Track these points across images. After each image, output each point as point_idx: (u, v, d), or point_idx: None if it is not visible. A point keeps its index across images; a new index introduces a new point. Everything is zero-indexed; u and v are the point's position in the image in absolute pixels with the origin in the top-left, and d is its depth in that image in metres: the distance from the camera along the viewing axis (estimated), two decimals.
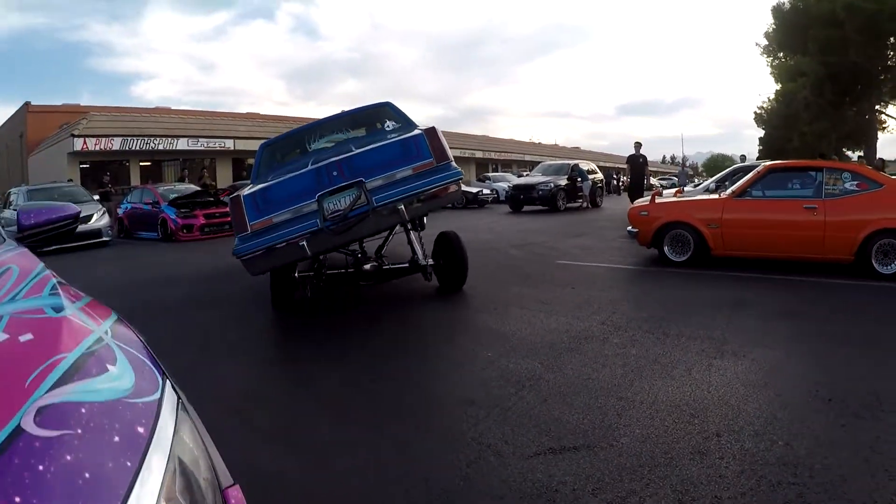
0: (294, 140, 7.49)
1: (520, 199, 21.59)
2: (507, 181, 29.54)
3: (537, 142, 63.48)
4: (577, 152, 66.47)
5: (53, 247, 14.40)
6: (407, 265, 6.30)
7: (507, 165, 50.19)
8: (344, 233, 5.22)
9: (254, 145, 28.75)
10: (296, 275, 6.21)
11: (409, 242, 6.17)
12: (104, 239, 16.21)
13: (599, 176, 24.16)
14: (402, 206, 5.19)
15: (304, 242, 5.16)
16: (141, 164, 27.21)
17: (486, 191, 26.93)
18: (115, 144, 24.97)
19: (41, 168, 28.02)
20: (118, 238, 18.04)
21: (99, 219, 16.35)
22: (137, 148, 25.75)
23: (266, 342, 5.48)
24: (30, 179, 28.86)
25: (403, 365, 4.26)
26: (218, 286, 8.20)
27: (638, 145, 16.09)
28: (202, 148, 27.56)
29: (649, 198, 8.33)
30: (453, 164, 5.46)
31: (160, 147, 26.32)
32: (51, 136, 27.91)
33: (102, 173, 23.25)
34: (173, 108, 36.49)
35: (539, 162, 50.62)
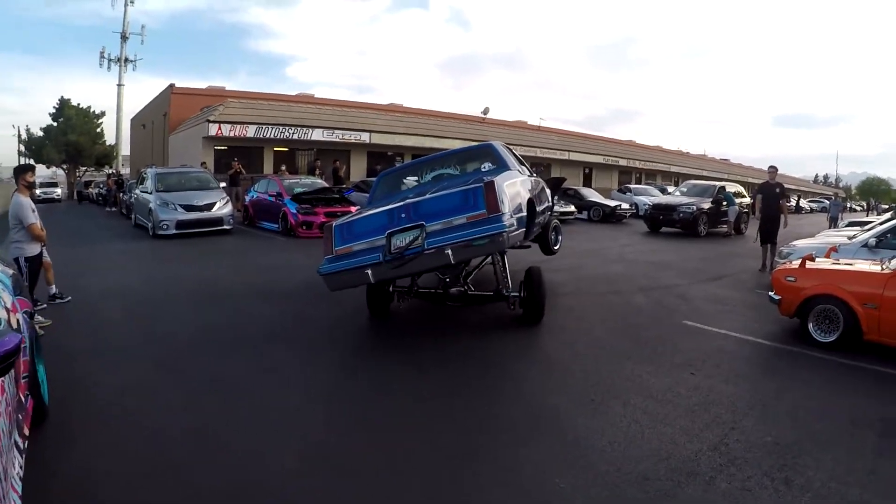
0: (405, 172, 8.66)
1: (658, 219, 20.44)
2: (648, 195, 28.09)
3: (685, 151, 60.12)
4: (725, 165, 62.50)
5: (173, 231, 15.35)
6: (492, 293, 7.16)
7: (651, 175, 48.01)
8: (399, 267, 6.02)
9: (390, 139, 29.31)
10: (390, 288, 7.39)
11: (495, 273, 7.17)
12: (225, 227, 16.77)
13: (747, 200, 22.34)
14: (450, 251, 5.83)
15: (369, 271, 6.09)
16: (276, 150, 28.20)
17: (624, 205, 25.75)
18: (250, 132, 26.17)
19: (180, 148, 29.81)
20: (242, 225, 18.64)
21: (221, 207, 17.02)
22: (271, 136, 26.78)
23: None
24: (169, 157, 30.89)
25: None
26: (312, 304, 8.13)
27: (772, 171, 12.84)
28: (337, 139, 28.20)
29: (799, 261, 7.28)
30: (504, 216, 5.84)
31: (294, 136, 27.23)
32: (191, 118, 29.56)
33: (231, 158, 24.18)
34: (317, 94, 37.60)
35: (685, 174, 48.54)
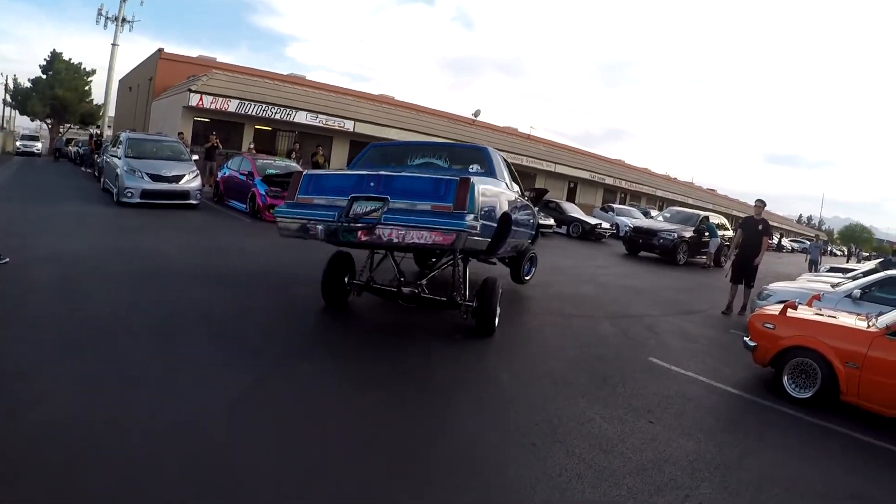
0: (398, 150, 8.57)
1: (638, 242, 20.02)
2: (630, 217, 27.68)
3: (672, 177, 59.89)
4: (712, 195, 62.45)
5: (137, 200, 14.66)
6: (445, 299, 6.81)
7: (636, 197, 47.69)
8: (348, 233, 5.90)
9: (375, 130, 28.63)
10: (346, 280, 7.29)
11: (453, 277, 6.96)
12: (192, 202, 16.13)
13: (730, 233, 22.02)
14: (402, 233, 5.72)
15: (320, 226, 6.03)
16: (256, 128, 27.43)
17: (605, 224, 25.29)
18: (231, 106, 25.47)
19: (161, 115, 29.01)
20: (211, 201, 18.01)
21: (190, 180, 16.31)
22: (253, 113, 26.04)
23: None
24: (151, 123, 30.03)
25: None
26: (257, 294, 7.62)
27: (759, 206, 11.51)
28: (320, 124, 27.51)
29: (780, 308, 6.72)
30: (467, 216, 5.65)
31: (276, 116, 26.51)
32: (175, 86, 28.66)
33: (210, 131, 23.44)
34: (313, 78, 36.88)
35: (670, 199, 48.30)
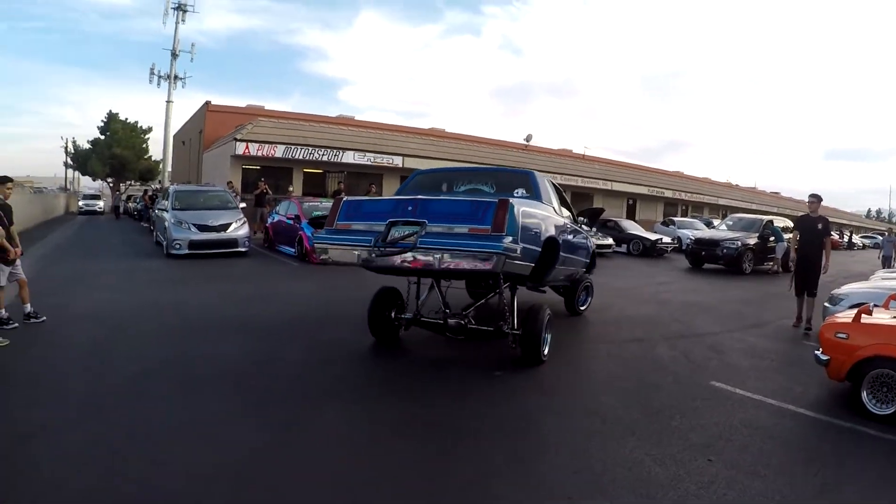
0: (444, 176, 8.34)
1: (700, 255, 19.05)
2: (692, 228, 26.57)
3: (734, 183, 57.77)
4: (775, 198, 60.03)
5: (185, 252, 14.81)
6: (492, 329, 6.61)
7: (697, 208, 46.13)
8: (384, 257, 5.82)
9: (424, 164, 28.33)
10: (392, 315, 7.23)
11: (501, 305, 6.58)
12: (240, 249, 16.24)
13: None
14: (439, 256, 5.56)
15: (357, 252, 6.02)
16: (305, 171, 27.58)
17: (665, 239, 24.30)
18: (278, 152, 25.64)
19: (212, 166, 29.56)
20: (262, 248, 18.11)
21: (237, 228, 16.48)
22: (300, 157, 26.17)
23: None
24: (203, 174, 30.60)
25: None
26: (287, 344, 7.29)
27: (813, 202, 9.88)
28: (368, 162, 27.46)
29: (853, 314, 5.96)
30: (505, 239, 5.44)
31: (324, 158, 26.59)
32: (223, 137, 29.14)
33: (259, 178, 23.70)
34: (368, 118, 37.12)
35: (733, 207, 46.48)
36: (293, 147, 26.07)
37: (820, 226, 9.76)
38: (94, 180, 63.53)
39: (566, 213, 8.56)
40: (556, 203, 7.84)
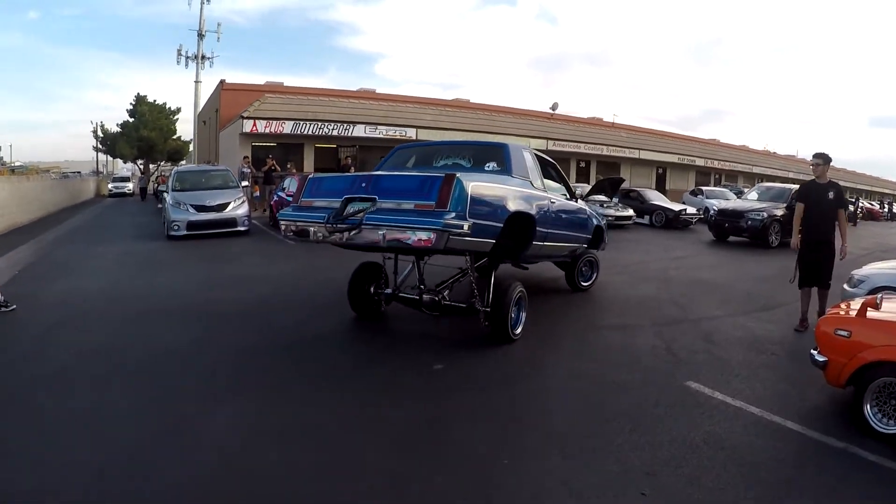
0: (424, 151, 8.20)
1: (724, 227, 17.83)
2: (723, 199, 25.14)
3: (772, 151, 54.98)
4: None
5: (183, 233, 15.28)
6: (464, 305, 6.55)
7: (731, 177, 44.10)
8: (333, 234, 5.84)
9: (439, 135, 27.24)
10: (371, 290, 7.31)
11: (471, 283, 6.50)
12: (240, 228, 16.17)
13: None
14: (384, 233, 5.53)
15: (312, 228, 6.04)
16: (317, 147, 27.04)
17: (690, 209, 22.98)
18: (287, 128, 25.01)
19: (226, 144, 29.14)
20: (268, 226, 17.99)
21: (235, 208, 16.37)
22: (310, 132, 25.58)
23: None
24: (220, 153, 30.21)
25: None
26: (249, 328, 7.20)
27: (818, 163, 7.47)
28: (380, 135, 26.56)
29: (857, 306, 4.91)
30: (448, 216, 5.32)
31: (334, 133, 25.91)
32: (236, 115, 28.66)
33: (266, 155, 23.48)
34: (405, 92, 35.96)
35: (769, 175, 44.28)
36: (302, 122, 25.41)
37: (831, 194, 7.35)
38: (124, 162, 64.14)
39: (556, 186, 8.38)
40: (535, 177, 7.46)
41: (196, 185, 17.50)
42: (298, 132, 25.43)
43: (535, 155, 7.85)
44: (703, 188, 29.85)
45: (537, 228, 7.02)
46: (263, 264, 11.87)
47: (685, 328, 7.41)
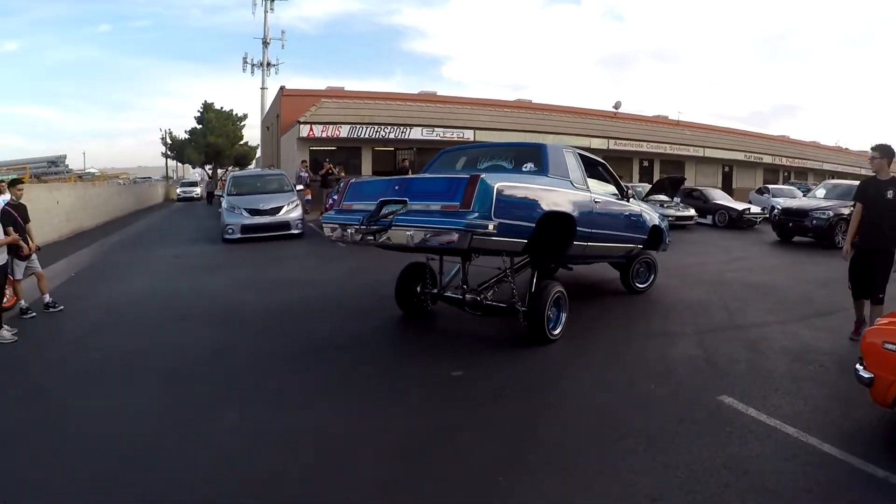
0: (470, 153, 8.21)
1: (788, 226, 16.93)
2: (791, 196, 23.99)
3: (843, 147, 52.12)
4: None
5: (238, 236, 15.76)
6: (505, 305, 6.64)
7: (801, 174, 42.11)
8: (366, 235, 5.98)
9: (497, 136, 26.97)
10: (418, 289, 7.63)
11: (510, 282, 6.75)
12: (293, 232, 16.48)
13: None
14: (411, 233, 5.61)
15: (350, 230, 6.15)
16: (375, 150, 27.26)
17: (754, 208, 22.01)
18: (343, 132, 25.30)
19: (286, 149, 29.72)
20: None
21: (289, 211, 16.69)
22: (367, 136, 25.77)
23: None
24: (280, 158, 30.82)
25: None
26: (269, 331, 7.29)
27: (878, 157, 6.42)
28: (437, 137, 26.50)
29: None
30: (471, 216, 5.39)
31: (391, 136, 26.03)
32: (295, 120, 29.12)
33: (324, 159, 23.75)
34: (472, 95, 35.82)
35: (840, 172, 41.87)
36: (358, 126, 25.68)
37: (891, 193, 6.33)
38: (193, 168, 66.22)
39: (603, 186, 8.28)
40: (577, 176, 7.32)
41: (251, 189, 17.98)
42: (355, 136, 25.75)
43: (580, 154, 7.76)
44: (770, 186, 28.55)
45: (578, 228, 6.88)
46: (311, 267, 11.98)
47: (730, 335, 6.95)
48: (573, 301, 7.12)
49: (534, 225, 6.03)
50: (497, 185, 5.63)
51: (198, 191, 48.07)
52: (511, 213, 5.73)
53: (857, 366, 4.48)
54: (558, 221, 6.58)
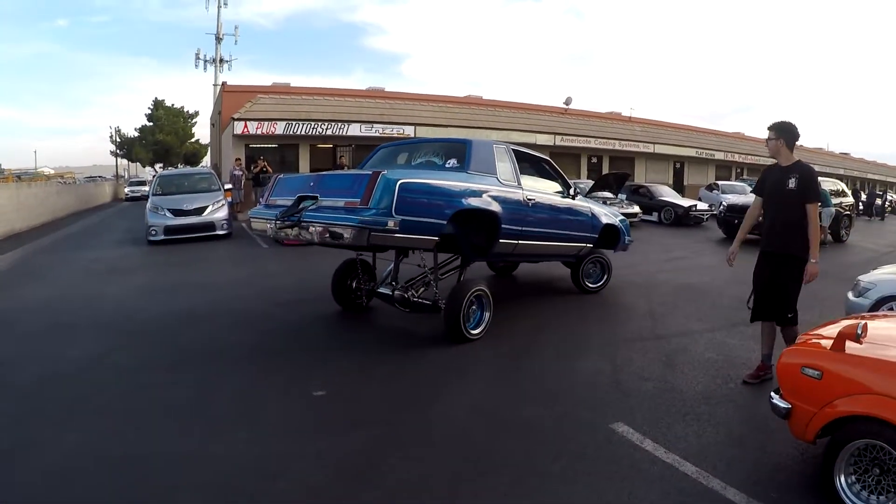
0: (403, 149, 8.18)
1: (734, 223, 16.37)
2: (742, 193, 23.61)
3: (798, 144, 52.08)
4: (843, 159, 54.66)
5: (161, 237, 15.01)
6: (430, 303, 6.63)
7: (754, 170, 42.07)
8: (280, 230, 6.07)
9: (438, 132, 26.12)
10: (353, 285, 7.66)
11: (429, 279, 6.94)
12: (219, 232, 15.82)
13: (849, 200, 17.97)
14: (316, 229, 5.71)
15: (269, 225, 6.25)
16: (314, 146, 26.41)
17: (701, 205, 21.61)
18: (279, 129, 24.48)
19: (226, 146, 28.79)
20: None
21: (213, 211, 15.98)
22: (303, 132, 24.93)
23: None
24: (222, 155, 29.82)
25: None
26: (158, 340, 6.76)
27: (775, 140, 5.12)
28: (376, 134, 25.61)
29: (834, 335, 3.51)
30: (370, 212, 5.43)
31: (329, 132, 25.08)
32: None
33: (258, 157, 22.92)
34: (432, 92, 34.63)
35: None
36: (294, 123, 24.71)
37: (792, 182, 4.96)
38: (143, 166, 64.43)
39: (540, 183, 8.05)
40: (505, 173, 7.15)
41: (178, 189, 17.30)
42: (291, 132, 24.75)
43: (516, 151, 7.63)
44: (720, 182, 28.30)
45: (504, 226, 6.75)
46: (223, 271, 11.44)
47: (647, 346, 6.22)
48: (520, 297, 7.70)
49: (445, 222, 6.00)
50: (400, 182, 5.62)
51: (145, 190, 46.58)
52: (416, 210, 5.72)
53: (772, 394, 3.70)
54: (480, 219, 6.53)
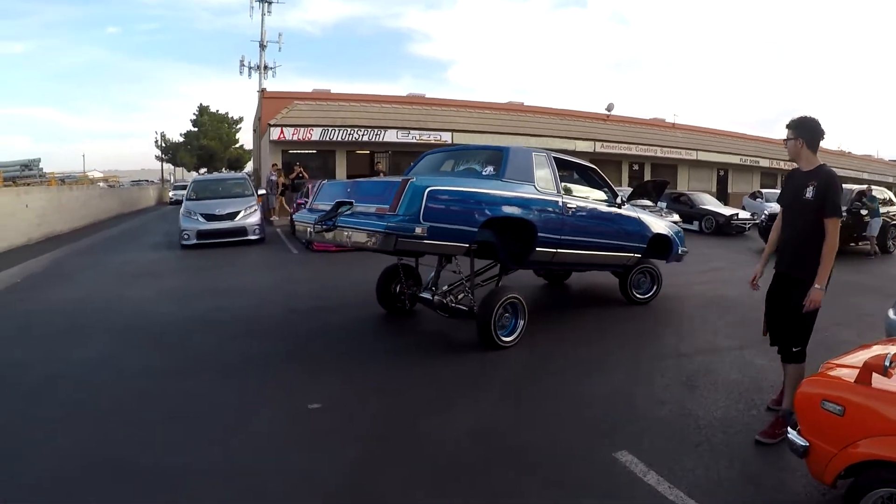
0: (447, 156, 8.20)
1: None
2: None
3: (846, 151, 49.38)
4: (894, 167, 52.71)
5: (194, 242, 15.30)
6: (466, 309, 6.59)
7: None
8: (318, 233, 6.31)
9: (476, 139, 25.87)
10: (397, 289, 7.79)
11: (466, 287, 6.87)
12: (251, 237, 15.97)
13: None
14: (349, 234, 5.91)
15: (310, 228, 6.45)
16: (351, 153, 26.53)
17: (743, 214, 20.93)
18: (315, 135, 24.55)
19: (264, 152, 29.03)
20: (290, 234, 17.66)
21: (246, 216, 16.10)
22: (339, 139, 24.96)
23: None
24: (261, 161, 30.18)
25: None
26: (168, 348, 6.67)
27: (790, 138, 4.36)
28: (413, 140, 25.58)
29: (860, 367, 3.14)
30: (397, 218, 5.51)
31: (365, 138, 25.06)
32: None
33: (294, 163, 23.27)
34: (479, 99, 34.47)
35: (842, 178, 39.56)
36: (330, 129, 24.82)
37: (810, 191, 4.22)
38: (187, 171, 65.75)
39: (584, 191, 7.97)
40: (544, 180, 7.04)
41: (212, 194, 17.50)
42: (327, 138, 24.86)
43: (558, 158, 7.48)
44: (763, 190, 27.40)
45: (541, 234, 6.71)
46: (250, 275, 11.59)
47: (670, 364, 5.89)
48: (563, 306, 7.82)
49: (476, 229, 6.00)
50: (429, 189, 5.67)
51: None
52: (445, 216, 5.76)
53: (788, 428, 3.38)
54: (516, 227, 6.52)
